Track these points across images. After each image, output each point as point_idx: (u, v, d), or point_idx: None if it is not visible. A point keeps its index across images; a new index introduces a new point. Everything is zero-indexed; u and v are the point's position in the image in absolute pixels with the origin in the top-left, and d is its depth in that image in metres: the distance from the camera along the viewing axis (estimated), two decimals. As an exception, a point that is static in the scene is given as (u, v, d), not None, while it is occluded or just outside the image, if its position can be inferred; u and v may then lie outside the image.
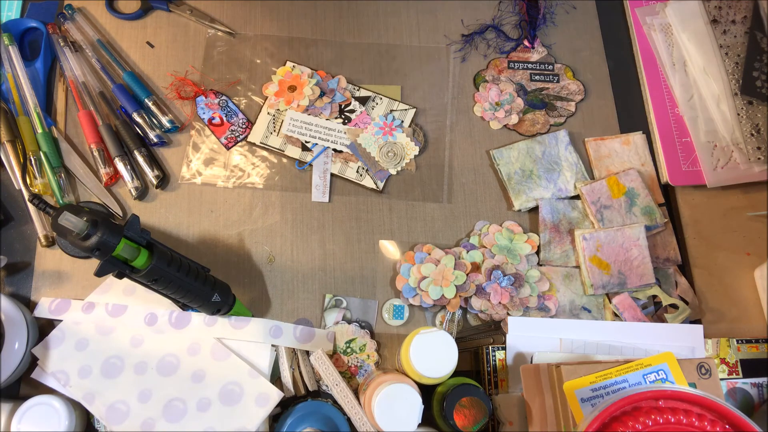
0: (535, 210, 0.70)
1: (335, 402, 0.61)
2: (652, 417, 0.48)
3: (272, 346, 0.62)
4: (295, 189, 0.70)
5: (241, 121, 0.72)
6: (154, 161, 0.69)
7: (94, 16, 0.77)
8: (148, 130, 0.70)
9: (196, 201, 0.69)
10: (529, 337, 0.61)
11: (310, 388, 0.61)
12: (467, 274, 0.65)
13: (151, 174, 0.68)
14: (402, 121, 0.73)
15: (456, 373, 0.58)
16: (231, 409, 0.58)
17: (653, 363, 0.55)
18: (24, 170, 0.67)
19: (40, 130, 0.68)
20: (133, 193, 0.68)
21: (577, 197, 0.71)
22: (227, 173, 0.70)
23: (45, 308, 0.63)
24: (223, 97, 0.73)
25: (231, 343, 0.62)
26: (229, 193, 0.70)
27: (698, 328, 0.62)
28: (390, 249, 0.69)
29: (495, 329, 0.64)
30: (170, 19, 0.77)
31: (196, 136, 0.72)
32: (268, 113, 0.73)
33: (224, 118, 0.72)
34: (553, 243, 0.68)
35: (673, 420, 0.47)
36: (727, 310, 0.67)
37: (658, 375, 0.54)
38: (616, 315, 0.66)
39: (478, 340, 0.64)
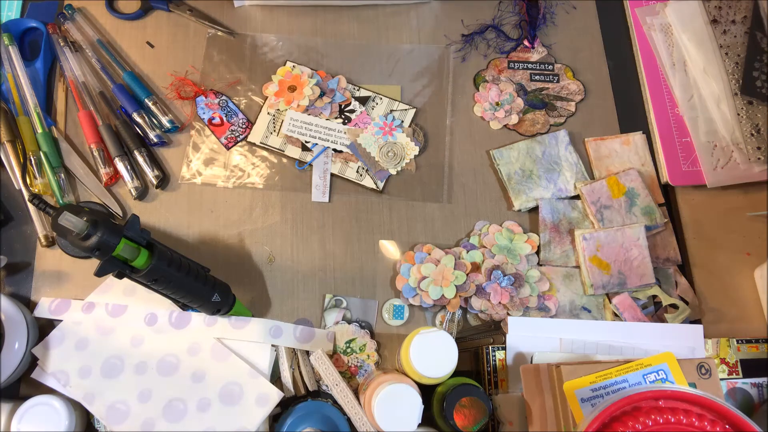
0: (535, 210, 0.70)
1: (335, 402, 0.61)
2: (652, 417, 0.48)
3: (272, 346, 0.62)
4: (295, 189, 0.70)
5: (241, 121, 0.72)
6: (154, 161, 0.69)
7: (94, 16, 0.77)
8: (148, 130, 0.70)
9: (196, 201, 0.69)
10: (529, 337, 0.61)
11: (310, 388, 0.61)
12: (467, 274, 0.65)
13: (151, 174, 0.68)
14: (402, 121, 0.73)
15: (456, 373, 0.58)
16: (231, 409, 0.58)
17: (653, 363, 0.55)
18: (24, 170, 0.67)
19: (40, 130, 0.68)
20: (133, 193, 0.68)
21: (577, 197, 0.71)
22: (227, 173, 0.70)
23: (45, 308, 0.63)
24: (223, 97, 0.73)
25: (231, 343, 0.62)
26: (229, 193, 0.70)
27: (698, 328, 0.62)
28: (390, 249, 0.69)
29: (495, 329, 0.64)
30: (170, 19, 0.77)
31: (196, 136, 0.72)
32: (268, 113, 0.73)
33: (224, 118, 0.72)
34: (553, 243, 0.68)
35: (673, 420, 0.47)
36: (727, 310, 0.67)
37: (658, 375, 0.54)
38: (616, 315, 0.66)
39: (478, 340, 0.64)
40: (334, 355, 0.63)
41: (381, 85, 0.75)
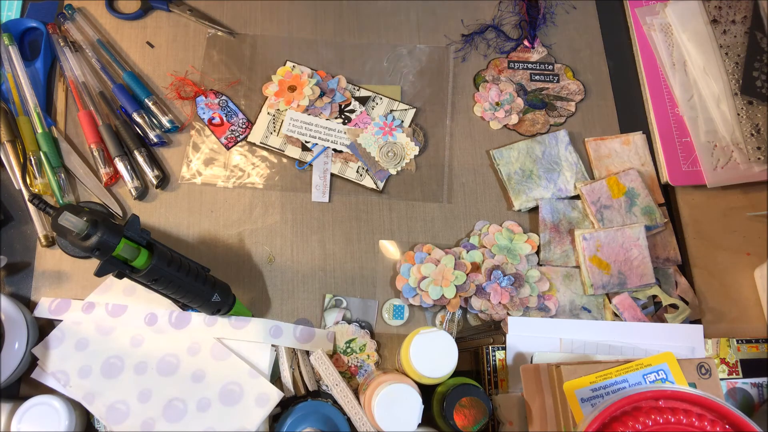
0: (535, 210, 0.70)
1: (335, 402, 0.61)
2: (652, 417, 0.48)
3: (272, 346, 0.62)
4: (295, 189, 0.70)
5: (241, 121, 0.72)
6: (154, 161, 0.69)
7: (94, 16, 0.77)
8: (148, 130, 0.70)
9: (196, 201, 0.69)
10: (529, 337, 0.61)
11: (310, 388, 0.61)
12: (467, 274, 0.65)
13: (151, 174, 0.68)
14: (402, 121, 0.73)
15: (456, 373, 0.58)
16: (231, 409, 0.58)
17: (653, 363, 0.55)
18: (24, 170, 0.67)
19: (40, 130, 0.68)
20: (133, 193, 0.68)
21: (577, 197, 0.71)
22: (227, 173, 0.70)
23: (45, 308, 0.63)
24: (223, 97, 0.73)
25: (231, 343, 0.62)
26: (229, 193, 0.70)
27: (698, 328, 0.62)
28: (390, 249, 0.69)
29: (495, 329, 0.64)
30: (170, 19, 0.77)
31: (196, 136, 0.72)
32: (268, 113, 0.73)
33: (224, 118, 0.72)
34: (553, 243, 0.68)
35: (673, 420, 0.47)
36: (727, 310, 0.67)
37: (658, 375, 0.54)
38: (616, 315, 0.66)
39: (478, 340, 0.64)
40: (334, 355, 0.63)
41: (381, 85, 0.75)
